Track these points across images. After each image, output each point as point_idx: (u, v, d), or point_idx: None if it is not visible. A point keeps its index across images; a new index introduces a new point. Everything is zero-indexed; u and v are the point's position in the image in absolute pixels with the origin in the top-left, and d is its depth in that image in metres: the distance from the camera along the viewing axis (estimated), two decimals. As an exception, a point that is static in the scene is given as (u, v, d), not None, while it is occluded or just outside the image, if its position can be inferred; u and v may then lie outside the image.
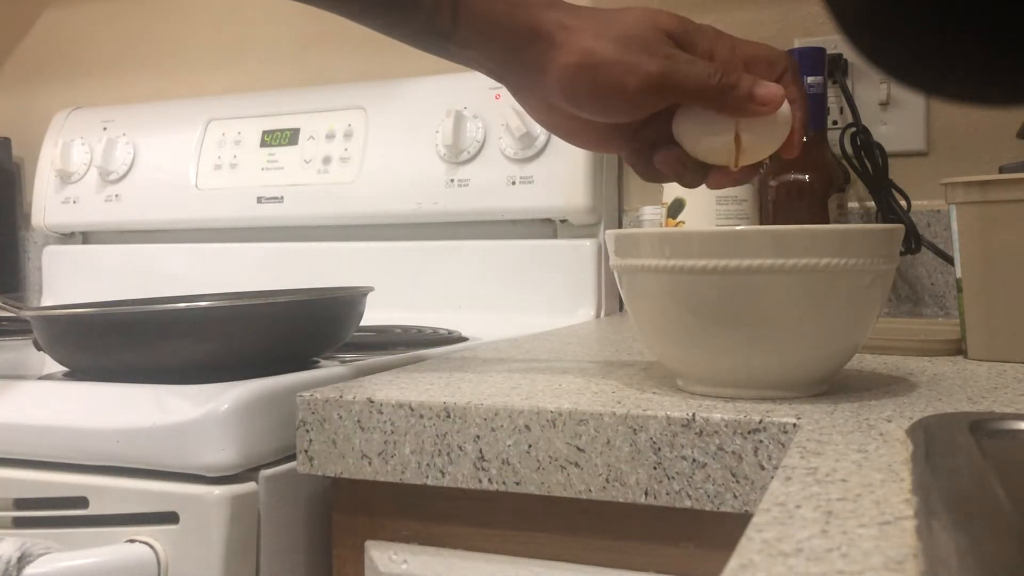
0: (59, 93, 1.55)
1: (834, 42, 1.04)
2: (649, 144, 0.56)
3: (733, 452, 0.46)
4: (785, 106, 0.53)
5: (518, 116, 1.09)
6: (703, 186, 0.56)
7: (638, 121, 0.55)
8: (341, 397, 0.55)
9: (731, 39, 0.54)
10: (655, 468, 0.48)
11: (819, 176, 0.93)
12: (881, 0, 0.22)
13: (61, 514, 0.59)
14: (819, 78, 0.95)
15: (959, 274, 0.66)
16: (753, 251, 0.47)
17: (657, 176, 0.57)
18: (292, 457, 0.59)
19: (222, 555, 0.55)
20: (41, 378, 0.71)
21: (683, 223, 0.90)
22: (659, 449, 0.48)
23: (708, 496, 0.47)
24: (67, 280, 1.41)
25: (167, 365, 0.65)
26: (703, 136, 0.54)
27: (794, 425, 0.45)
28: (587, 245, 1.10)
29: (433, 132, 1.16)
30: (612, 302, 1.12)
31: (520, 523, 0.54)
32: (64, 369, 0.72)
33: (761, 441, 0.45)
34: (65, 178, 1.38)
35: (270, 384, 0.60)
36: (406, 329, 0.95)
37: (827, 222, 0.92)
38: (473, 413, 0.51)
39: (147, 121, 1.37)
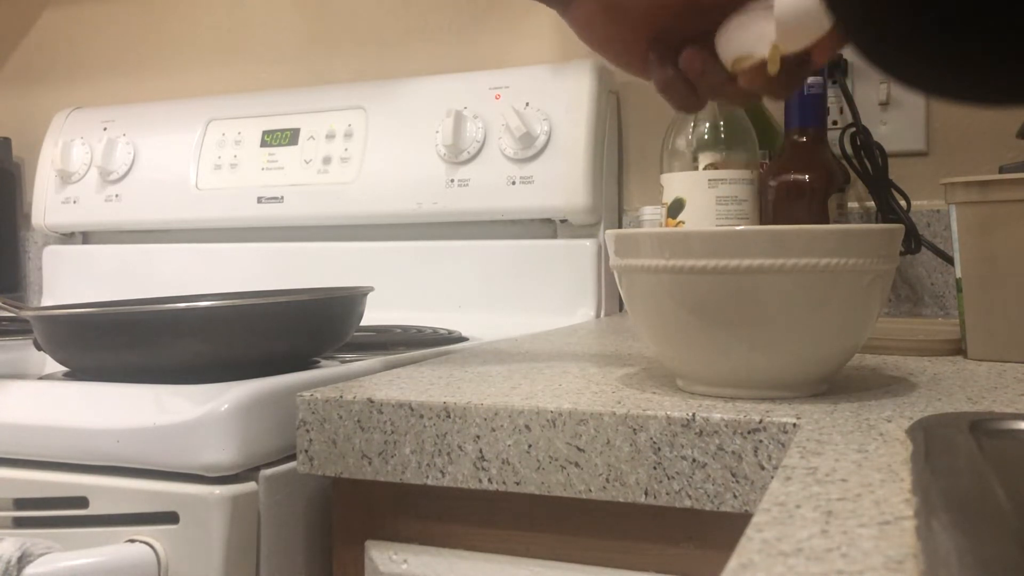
0: (59, 93, 1.55)
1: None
2: (675, 48, 0.55)
3: (733, 452, 0.46)
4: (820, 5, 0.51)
5: (518, 116, 1.09)
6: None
7: (665, 24, 0.54)
8: (341, 397, 0.55)
9: None
10: (655, 468, 0.48)
11: (819, 176, 0.93)
12: (881, 1, 0.22)
13: (61, 514, 0.59)
14: (819, 78, 0.95)
15: (959, 274, 0.66)
16: (753, 251, 0.47)
17: (675, 86, 0.56)
18: (292, 457, 0.59)
19: (222, 555, 0.55)
20: (41, 378, 0.71)
21: (683, 223, 0.90)
22: (659, 449, 0.48)
23: (708, 496, 0.47)
24: (67, 280, 1.41)
25: (167, 365, 0.65)
26: (738, 31, 0.52)
27: (794, 425, 0.45)
28: (587, 245, 1.10)
29: (433, 132, 1.16)
30: (612, 302, 1.12)
31: (520, 523, 0.54)
32: (64, 369, 0.72)
33: (761, 441, 0.45)
34: (65, 178, 1.38)
35: (270, 384, 0.60)
36: (406, 329, 0.95)
37: (827, 222, 0.92)
38: (473, 413, 0.51)
39: (147, 121, 1.37)
